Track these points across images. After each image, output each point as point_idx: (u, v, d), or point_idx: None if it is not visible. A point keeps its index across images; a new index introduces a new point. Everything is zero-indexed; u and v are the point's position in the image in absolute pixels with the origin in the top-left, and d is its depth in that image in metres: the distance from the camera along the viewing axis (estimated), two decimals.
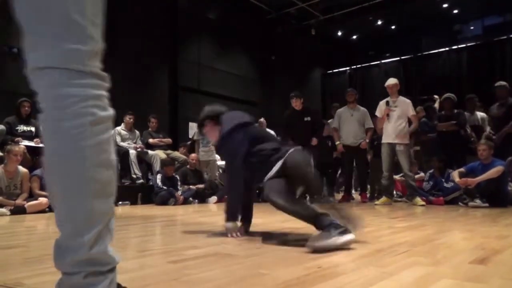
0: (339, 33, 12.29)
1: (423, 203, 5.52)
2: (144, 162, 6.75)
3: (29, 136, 5.48)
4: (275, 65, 11.39)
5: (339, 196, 7.15)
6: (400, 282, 1.38)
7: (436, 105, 7.46)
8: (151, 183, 6.43)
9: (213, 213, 4.92)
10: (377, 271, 1.53)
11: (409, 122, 5.90)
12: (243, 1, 10.24)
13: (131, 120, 6.76)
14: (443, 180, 5.87)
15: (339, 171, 8.08)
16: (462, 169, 5.43)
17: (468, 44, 11.11)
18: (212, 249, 2.05)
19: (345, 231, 2.02)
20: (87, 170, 0.87)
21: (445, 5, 10.53)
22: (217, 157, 7.08)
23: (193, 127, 8.31)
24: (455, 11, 10.86)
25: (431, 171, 6.15)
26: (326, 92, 13.50)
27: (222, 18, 10.09)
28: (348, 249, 2.00)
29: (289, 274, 1.47)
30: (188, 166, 6.82)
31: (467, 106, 6.77)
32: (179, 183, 6.22)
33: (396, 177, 6.41)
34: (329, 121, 7.56)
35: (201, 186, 6.59)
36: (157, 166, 6.56)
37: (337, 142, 6.59)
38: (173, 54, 9.28)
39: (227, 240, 2.37)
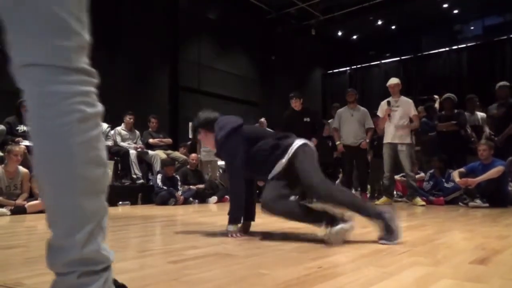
0: (339, 33, 12.28)
1: (423, 203, 5.51)
2: (145, 162, 6.75)
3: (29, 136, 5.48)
4: (275, 65, 11.39)
5: None
6: (400, 282, 1.38)
7: (436, 105, 7.46)
8: (151, 183, 6.42)
9: (213, 213, 4.92)
10: (377, 271, 1.53)
11: (411, 122, 5.90)
12: (243, 1, 10.24)
13: (131, 120, 6.76)
14: (444, 180, 5.87)
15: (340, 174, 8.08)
16: (462, 169, 5.43)
17: (468, 44, 11.11)
18: (212, 249, 2.05)
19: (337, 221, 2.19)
20: (76, 168, 0.85)
21: (445, 5, 10.52)
22: None
23: None
24: (455, 11, 10.85)
25: (431, 171, 6.14)
26: (327, 92, 13.49)
27: (222, 18, 10.09)
28: (348, 249, 2.00)
29: (289, 274, 1.47)
30: (188, 166, 6.82)
31: (467, 106, 6.77)
32: (179, 183, 6.22)
33: (397, 177, 6.41)
34: (329, 121, 7.56)
35: (201, 186, 6.59)
36: (157, 166, 6.56)
37: (338, 142, 6.58)
38: (173, 54, 9.28)
39: (227, 240, 2.37)
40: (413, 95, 7.92)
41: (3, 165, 4.63)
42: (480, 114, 6.67)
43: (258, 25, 10.98)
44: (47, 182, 0.87)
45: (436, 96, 7.78)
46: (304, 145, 2.48)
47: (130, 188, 6.25)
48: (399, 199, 6.46)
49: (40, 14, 0.82)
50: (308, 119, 6.20)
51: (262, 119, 7.51)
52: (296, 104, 6.27)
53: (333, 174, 7.77)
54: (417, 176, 6.19)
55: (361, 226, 2.90)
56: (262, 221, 2.75)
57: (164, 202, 5.81)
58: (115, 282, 0.97)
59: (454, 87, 9.62)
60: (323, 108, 12.64)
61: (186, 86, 9.41)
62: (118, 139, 6.61)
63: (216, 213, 4.83)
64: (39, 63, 0.83)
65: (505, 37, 10.54)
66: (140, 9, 8.37)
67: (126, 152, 6.41)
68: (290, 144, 2.46)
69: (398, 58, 12.18)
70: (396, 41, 11.90)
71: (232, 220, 2.54)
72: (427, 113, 7.08)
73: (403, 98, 5.87)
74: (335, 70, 13.56)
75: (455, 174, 5.41)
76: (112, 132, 6.67)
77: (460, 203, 5.37)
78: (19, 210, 4.37)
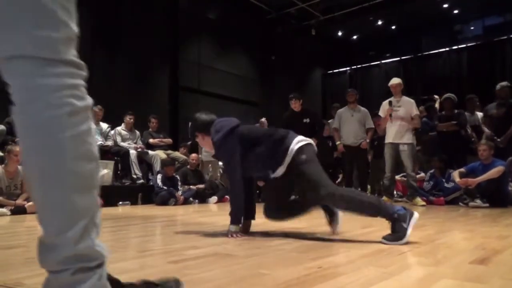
0: (339, 33, 12.28)
1: (424, 203, 5.51)
2: (145, 162, 6.75)
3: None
4: (275, 65, 11.38)
5: None
6: (401, 282, 1.38)
7: (436, 105, 7.46)
8: (151, 183, 6.43)
9: (213, 213, 4.92)
10: (378, 271, 1.53)
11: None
12: (243, 1, 10.24)
13: (132, 120, 6.76)
14: (444, 180, 5.87)
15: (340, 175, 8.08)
16: (462, 169, 5.43)
17: (469, 44, 11.10)
18: (212, 249, 2.05)
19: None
20: (67, 163, 0.83)
21: (445, 5, 10.52)
22: None
23: None
24: (456, 11, 10.85)
25: (431, 171, 6.14)
26: (327, 92, 13.49)
27: (222, 18, 10.09)
28: (348, 249, 2.00)
29: (289, 274, 1.47)
30: (188, 166, 6.82)
31: (468, 106, 6.77)
32: (179, 183, 6.22)
33: (397, 177, 6.41)
34: (329, 121, 7.56)
35: (201, 186, 6.59)
36: (157, 166, 6.56)
37: (338, 142, 6.58)
38: (173, 54, 9.28)
39: (227, 240, 2.37)
40: (413, 95, 7.93)
41: (3, 165, 4.63)
42: (480, 114, 6.66)
43: (258, 25, 10.98)
44: (36, 177, 0.84)
45: (436, 96, 7.78)
46: (300, 148, 2.44)
47: (130, 188, 6.25)
48: (399, 199, 6.46)
49: (27, 5, 0.79)
50: (307, 120, 6.19)
51: (263, 119, 7.51)
52: (295, 105, 6.26)
53: (333, 174, 7.77)
54: (417, 176, 6.19)
55: (361, 226, 2.90)
56: (262, 221, 2.75)
57: (164, 202, 5.81)
58: (109, 276, 0.95)
59: (454, 87, 9.62)
60: (323, 108, 12.64)
61: (186, 86, 9.41)
62: (118, 139, 6.61)
63: (216, 213, 4.83)
64: (27, 55, 0.80)
65: (505, 37, 10.53)
66: (140, 9, 8.36)
67: (126, 152, 6.41)
68: (288, 148, 2.43)
69: (398, 58, 12.18)
70: (396, 41, 11.90)
71: (235, 220, 2.55)
72: (428, 113, 7.09)
73: (405, 98, 5.86)
74: (335, 70, 13.56)
75: (455, 174, 5.41)
76: (112, 132, 6.67)
77: (460, 203, 5.37)
78: (19, 210, 4.37)
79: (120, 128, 6.70)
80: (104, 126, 6.65)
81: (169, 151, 7.16)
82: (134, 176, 6.41)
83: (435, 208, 5.08)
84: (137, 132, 6.93)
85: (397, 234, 2.14)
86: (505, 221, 3.51)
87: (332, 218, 2.60)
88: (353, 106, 6.56)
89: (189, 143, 7.88)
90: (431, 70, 11.48)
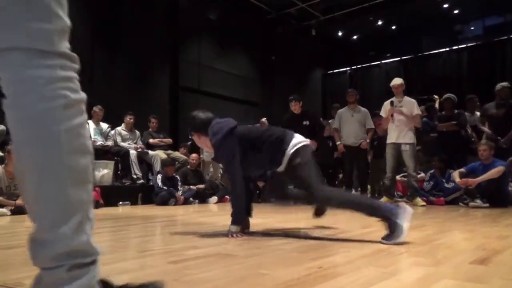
0: (340, 33, 12.27)
1: (424, 203, 5.51)
2: (145, 162, 6.75)
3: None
4: (275, 65, 11.38)
5: None
6: (401, 282, 1.38)
7: (436, 105, 7.47)
8: (151, 183, 6.42)
9: (213, 213, 4.92)
10: (378, 271, 1.53)
11: None
12: (243, 1, 10.24)
13: (132, 120, 6.76)
14: (444, 180, 5.87)
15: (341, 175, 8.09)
16: (462, 169, 5.43)
17: (469, 44, 11.09)
18: (212, 249, 2.05)
19: None
20: (61, 157, 0.81)
21: (445, 5, 10.51)
22: None
23: None
24: (456, 11, 10.84)
25: (431, 171, 6.14)
26: (327, 93, 13.48)
27: (222, 18, 10.08)
28: (348, 249, 2.00)
29: (289, 274, 1.47)
30: (188, 166, 6.82)
31: (468, 106, 6.77)
32: (179, 183, 6.22)
33: (397, 177, 6.42)
34: (329, 121, 7.56)
35: (201, 186, 6.59)
36: (157, 166, 6.56)
37: (338, 142, 6.58)
38: (173, 54, 9.28)
39: (227, 240, 2.37)
40: (413, 95, 7.93)
41: (3, 165, 4.64)
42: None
43: (258, 25, 10.98)
44: (30, 170, 0.82)
45: (436, 96, 7.79)
46: (296, 151, 2.48)
47: (130, 188, 6.25)
48: (399, 199, 6.45)
49: None
50: (307, 122, 6.16)
51: (264, 119, 7.50)
52: (295, 107, 6.25)
53: (333, 174, 7.77)
54: (417, 176, 6.19)
55: (361, 226, 2.90)
56: (262, 221, 2.75)
57: (164, 202, 5.81)
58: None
59: (454, 87, 9.61)
60: (323, 108, 12.63)
61: (186, 86, 9.41)
62: (118, 139, 6.61)
63: (216, 213, 4.83)
64: (20, 47, 0.79)
65: (505, 37, 10.52)
66: (140, 9, 8.36)
67: (126, 152, 6.41)
68: (284, 151, 2.48)
69: (399, 58, 12.17)
70: (396, 41, 11.89)
71: (236, 221, 2.55)
72: (428, 113, 7.09)
73: (407, 98, 5.86)
74: (335, 70, 13.55)
75: (455, 174, 5.41)
76: (112, 132, 6.67)
77: (460, 203, 5.37)
78: (19, 210, 4.36)
79: (120, 128, 6.70)
80: (104, 126, 6.65)
81: (169, 151, 7.16)
82: (134, 176, 6.41)
83: (435, 208, 5.08)
84: (137, 132, 6.93)
85: (394, 233, 2.15)
86: (505, 221, 3.51)
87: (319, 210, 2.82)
88: (353, 106, 6.57)
89: (189, 143, 7.88)
90: (431, 70, 11.47)
